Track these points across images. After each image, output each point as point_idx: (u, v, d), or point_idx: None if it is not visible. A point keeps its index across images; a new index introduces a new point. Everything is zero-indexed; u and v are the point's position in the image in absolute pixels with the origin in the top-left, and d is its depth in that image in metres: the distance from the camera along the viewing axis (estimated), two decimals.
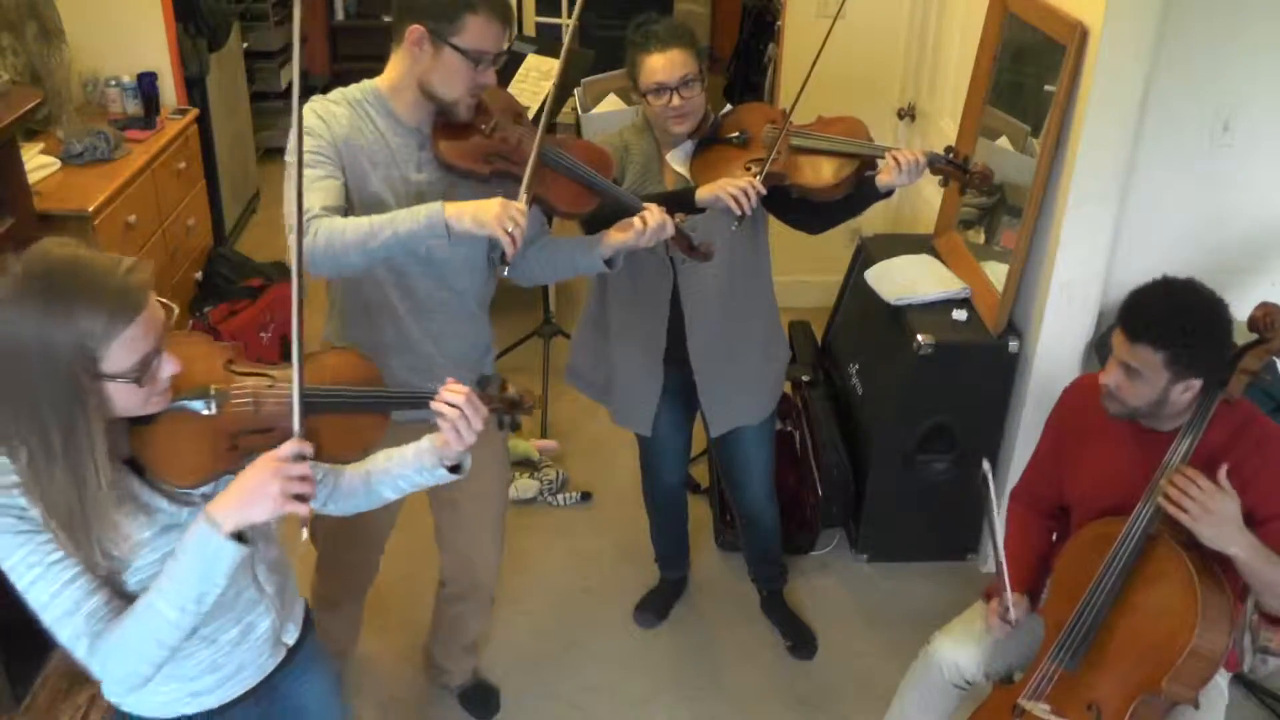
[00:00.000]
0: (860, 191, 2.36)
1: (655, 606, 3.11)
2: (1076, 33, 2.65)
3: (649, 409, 2.67)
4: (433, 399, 1.60)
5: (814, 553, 3.33)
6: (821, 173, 2.35)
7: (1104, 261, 2.85)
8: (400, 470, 1.70)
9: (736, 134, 2.40)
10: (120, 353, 1.36)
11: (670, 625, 3.07)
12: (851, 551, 3.35)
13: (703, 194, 2.27)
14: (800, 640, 3.03)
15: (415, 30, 1.94)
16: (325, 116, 2.00)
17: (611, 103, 4.99)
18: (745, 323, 2.59)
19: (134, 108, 4.00)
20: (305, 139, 1.97)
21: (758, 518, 2.93)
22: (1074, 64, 2.67)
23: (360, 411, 1.60)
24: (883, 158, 2.29)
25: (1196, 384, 1.95)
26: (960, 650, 2.25)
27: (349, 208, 1.98)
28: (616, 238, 2.10)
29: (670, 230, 2.09)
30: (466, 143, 2.04)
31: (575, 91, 4.75)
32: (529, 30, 6.02)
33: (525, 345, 4.14)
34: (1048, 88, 2.89)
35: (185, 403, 1.45)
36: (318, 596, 2.53)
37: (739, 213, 2.22)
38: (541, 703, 2.82)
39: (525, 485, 3.53)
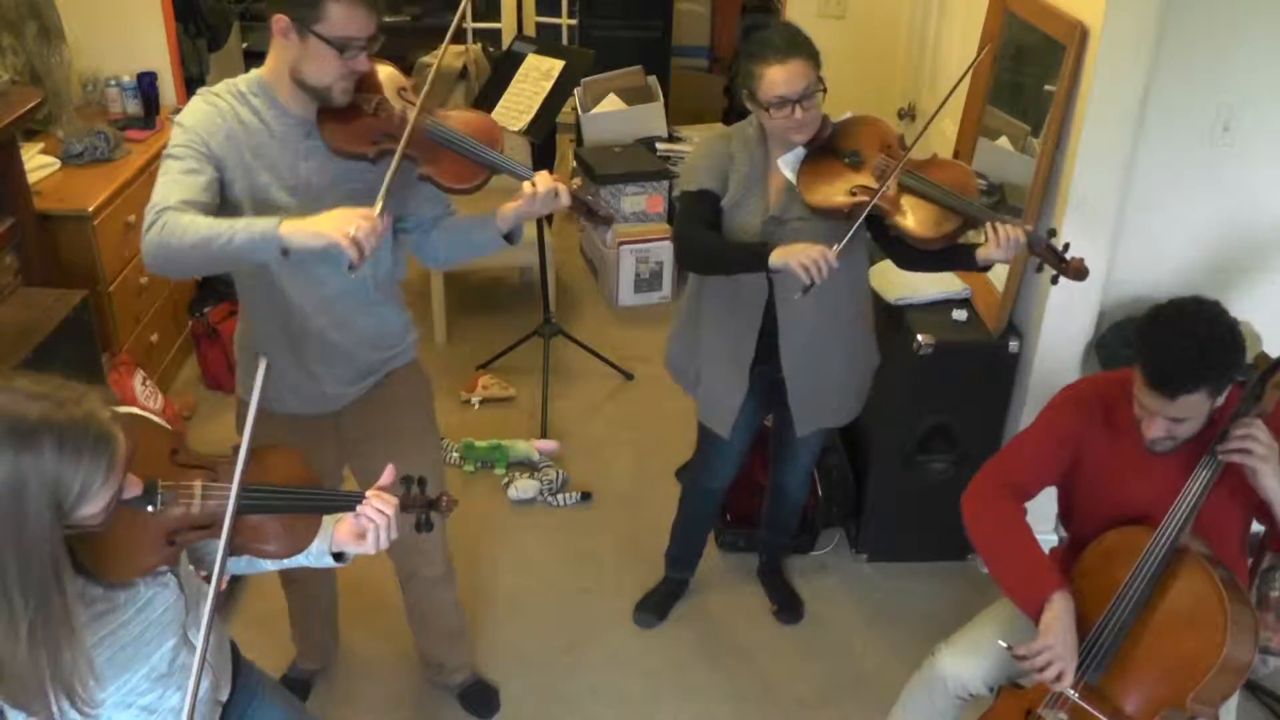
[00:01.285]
0: (956, 251, 2.30)
1: (655, 607, 3.11)
2: (1076, 32, 2.65)
3: (731, 411, 2.63)
4: (360, 503, 1.61)
5: (814, 553, 3.33)
6: (922, 220, 2.27)
7: (1104, 261, 2.85)
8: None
9: (850, 153, 2.34)
10: (93, 504, 1.31)
11: (671, 625, 3.07)
12: (851, 551, 3.35)
13: (775, 259, 2.23)
14: (786, 605, 3.08)
15: (280, 20, 1.92)
16: (204, 110, 1.99)
17: (611, 103, 5.00)
18: (837, 331, 2.56)
19: (134, 108, 4.00)
20: (176, 132, 1.98)
21: (787, 492, 2.97)
22: (1074, 64, 2.67)
23: (297, 513, 1.59)
24: (986, 223, 2.19)
25: (1228, 390, 1.95)
26: (965, 663, 2.21)
27: (217, 203, 1.96)
28: (509, 207, 2.08)
29: (565, 199, 2.04)
30: (351, 125, 2.01)
31: (575, 91, 4.76)
32: (529, 30, 6.02)
33: (525, 345, 4.14)
34: (1048, 88, 2.88)
35: (133, 500, 1.41)
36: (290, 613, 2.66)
37: (807, 282, 2.19)
38: (541, 703, 2.81)
39: (525, 485, 3.53)
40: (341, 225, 1.81)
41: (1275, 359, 2.01)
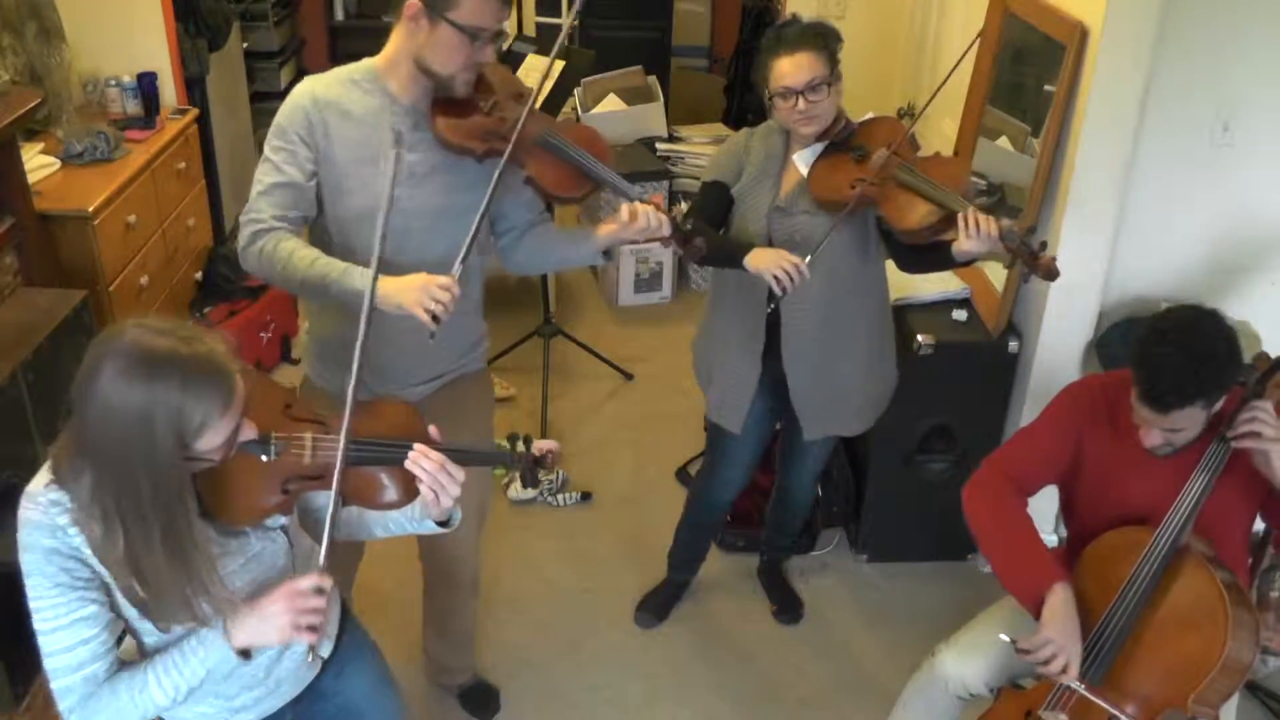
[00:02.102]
0: (938, 248, 2.30)
1: (656, 607, 3.11)
2: (1076, 33, 2.65)
3: (743, 404, 2.62)
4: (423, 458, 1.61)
5: (814, 553, 3.33)
6: (907, 212, 2.28)
7: (1104, 261, 2.85)
8: (390, 520, 1.74)
9: (858, 148, 2.36)
10: (212, 437, 1.42)
11: (671, 626, 3.07)
12: (851, 551, 3.35)
13: (750, 262, 2.28)
14: (786, 606, 3.08)
15: (412, 5, 1.92)
16: (301, 104, 2.00)
17: (611, 103, 5.00)
18: (846, 337, 2.54)
19: (134, 108, 4.00)
20: (273, 129, 2.01)
21: (793, 493, 2.97)
22: (1074, 64, 2.67)
23: (403, 465, 1.61)
24: (959, 214, 2.19)
25: (1224, 397, 1.95)
26: (966, 664, 2.21)
27: (313, 213, 2.02)
28: (606, 229, 2.09)
29: (666, 229, 2.04)
30: (465, 121, 2.02)
31: (575, 91, 4.76)
32: (529, 30, 6.02)
33: (525, 345, 4.14)
34: (1048, 88, 2.88)
35: (250, 445, 1.50)
36: None
37: (779, 292, 2.24)
38: (542, 703, 2.82)
39: (526, 486, 3.52)
40: (421, 299, 1.84)
41: (1275, 359, 2.01)
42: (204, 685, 1.52)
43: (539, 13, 6.14)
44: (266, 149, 2.01)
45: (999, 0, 3.09)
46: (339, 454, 1.53)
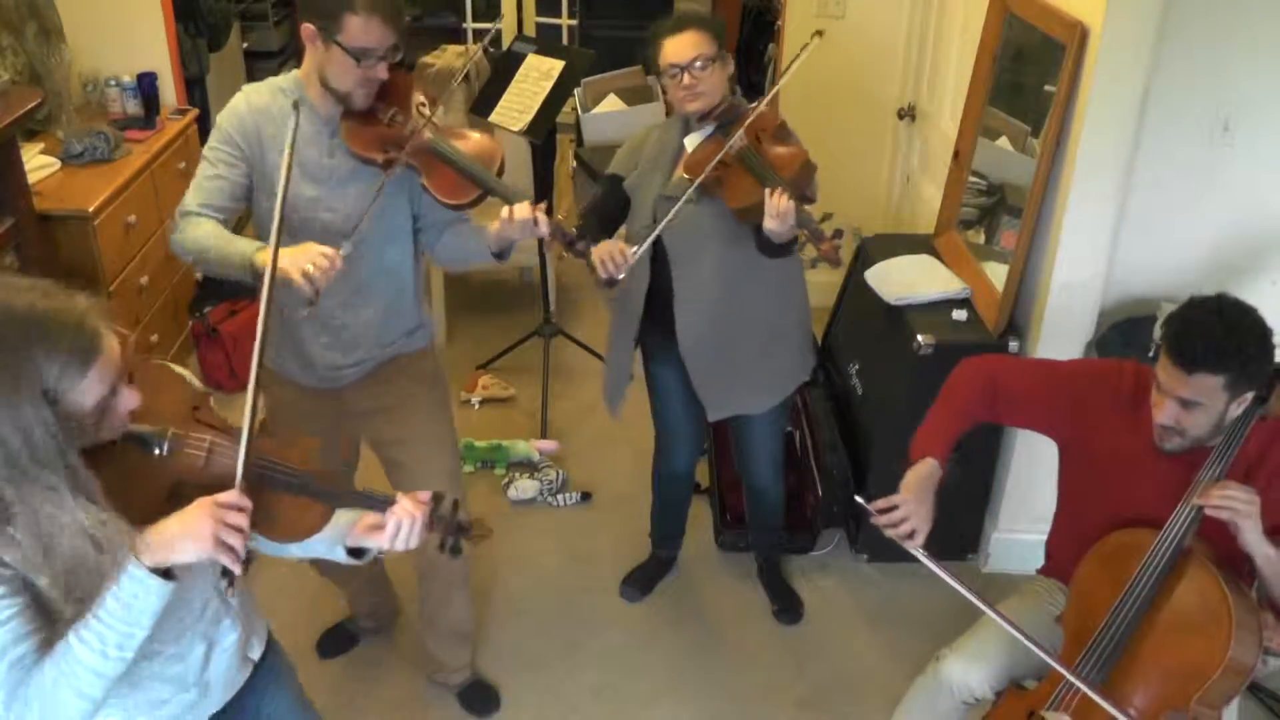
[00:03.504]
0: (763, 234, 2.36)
1: (641, 581, 3.17)
2: (1076, 33, 2.65)
3: (619, 390, 2.82)
4: (389, 506, 1.59)
5: (814, 553, 3.33)
6: (738, 192, 2.37)
7: (1104, 261, 2.85)
8: None
9: (732, 131, 2.42)
10: (78, 396, 1.36)
11: (671, 625, 3.07)
12: (851, 551, 3.35)
13: (592, 253, 2.39)
14: (786, 606, 3.11)
15: (307, 28, 2.10)
16: (239, 109, 2.19)
17: (611, 103, 5.00)
18: (742, 321, 2.62)
19: (134, 108, 4.00)
20: (213, 131, 2.20)
21: (762, 491, 3.01)
22: (1074, 64, 2.67)
23: (310, 498, 1.56)
24: (766, 191, 2.26)
25: (1249, 396, 1.93)
26: (971, 669, 2.21)
27: (241, 205, 2.20)
28: (493, 227, 2.20)
29: (544, 228, 2.14)
30: (366, 131, 2.17)
31: (575, 91, 4.76)
32: (529, 30, 6.02)
33: (525, 345, 4.14)
34: (1048, 88, 2.88)
35: (140, 434, 1.44)
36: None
37: (604, 276, 2.37)
38: (541, 703, 2.81)
39: (525, 485, 3.53)
40: (298, 261, 1.95)
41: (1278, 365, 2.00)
42: (134, 634, 1.37)
43: (539, 13, 6.14)
44: (205, 149, 2.20)
45: (999, 0, 3.09)
46: (239, 462, 1.45)
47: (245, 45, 5.37)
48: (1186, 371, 1.89)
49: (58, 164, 3.55)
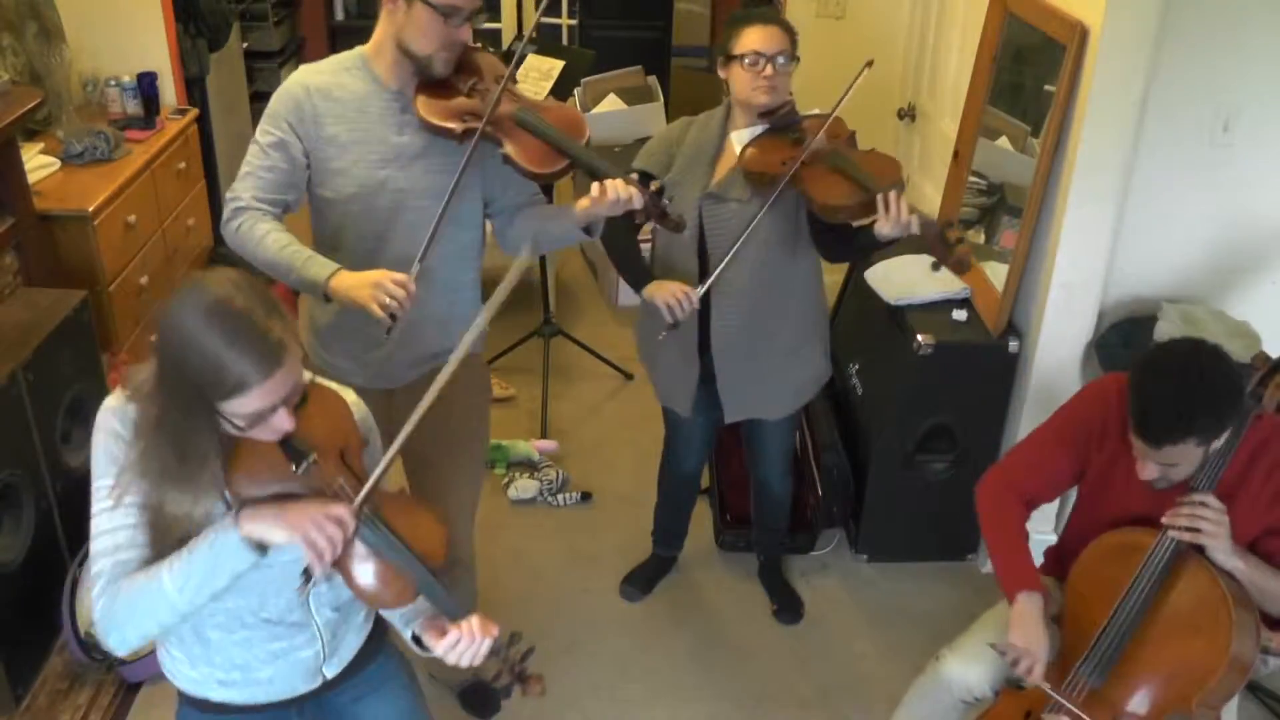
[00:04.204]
0: (861, 232, 2.36)
1: (641, 581, 3.16)
2: (1076, 33, 2.65)
3: (689, 388, 2.71)
4: (460, 617, 1.67)
5: (814, 553, 3.33)
6: (828, 190, 2.34)
7: (1104, 261, 2.85)
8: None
9: (797, 131, 2.44)
10: (243, 403, 1.47)
11: (671, 626, 3.07)
12: (851, 551, 3.35)
13: (646, 292, 2.44)
14: (786, 606, 3.10)
15: None
16: (294, 90, 2.09)
17: (611, 103, 5.00)
18: (772, 330, 2.61)
19: (134, 108, 4.00)
20: (265, 114, 2.10)
21: (768, 488, 3.00)
22: (1074, 64, 2.67)
23: (400, 573, 1.62)
24: (879, 196, 2.25)
25: (1226, 434, 1.93)
26: (970, 668, 2.21)
27: (298, 195, 2.11)
28: (582, 204, 2.12)
29: (638, 200, 2.08)
30: (444, 101, 2.10)
31: (575, 91, 4.75)
32: (529, 30, 6.02)
33: (525, 345, 4.14)
34: (1048, 88, 2.88)
35: (291, 444, 1.55)
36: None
37: (669, 320, 2.40)
38: (541, 703, 2.81)
39: (525, 485, 3.53)
40: (376, 295, 1.91)
41: (1275, 360, 2.00)
42: (214, 585, 1.52)
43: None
44: (258, 132, 2.11)
45: (999, 0, 3.09)
46: (359, 499, 1.57)
47: (245, 45, 5.36)
48: (1155, 448, 1.89)
49: (58, 164, 3.54)
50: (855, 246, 2.46)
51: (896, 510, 3.24)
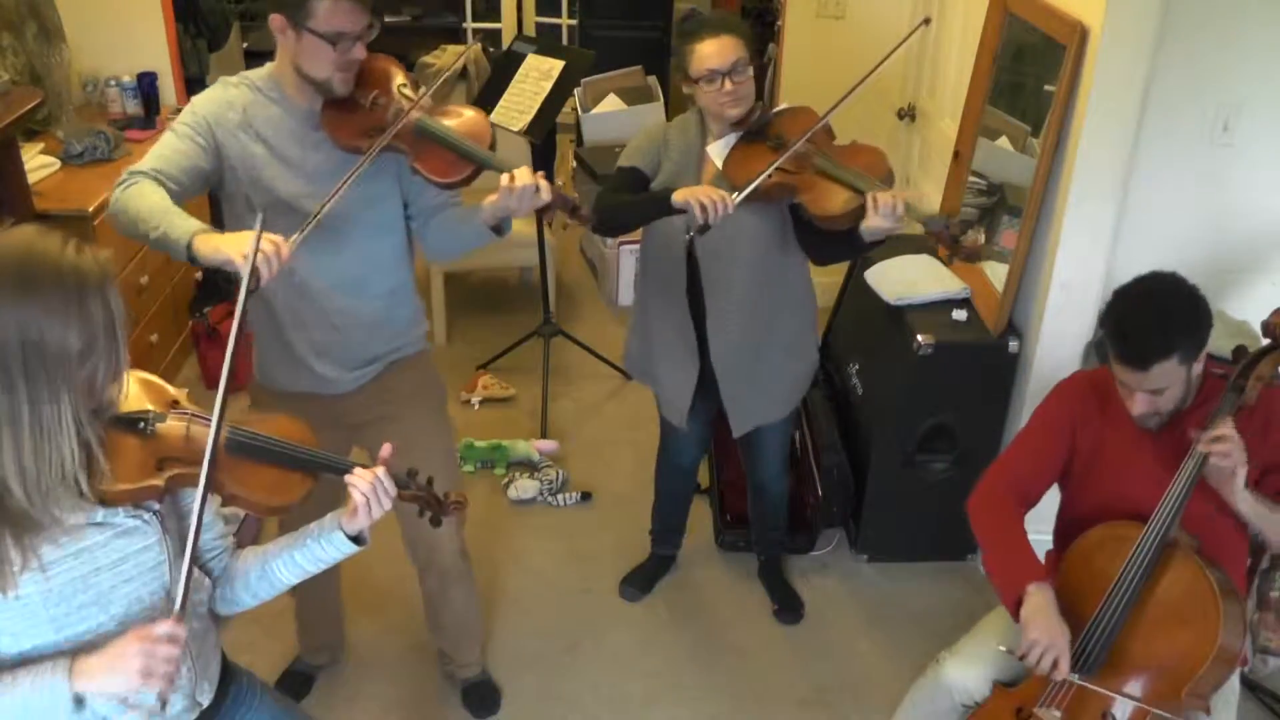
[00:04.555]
0: (848, 236, 2.35)
1: (641, 581, 3.17)
2: (1076, 33, 2.65)
3: (684, 400, 2.72)
4: (350, 471, 1.63)
5: (814, 553, 3.33)
6: (828, 200, 2.33)
7: (1104, 261, 2.85)
8: (298, 545, 1.69)
9: (775, 137, 2.41)
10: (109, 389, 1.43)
11: (671, 625, 3.07)
12: (851, 551, 3.35)
13: (678, 196, 2.31)
14: (786, 605, 3.11)
15: (276, 19, 2.03)
16: (217, 97, 2.12)
17: (611, 103, 5.00)
18: (768, 330, 2.61)
19: (134, 108, 4.00)
20: (185, 110, 2.12)
21: (765, 488, 3.01)
22: (1074, 64, 2.67)
23: (285, 466, 1.62)
24: (867, 195, 2.25)
25: (1203, 358, 1.97)
26: (970, 671, 2.20)
27: (196, 186, 2.09)
28: (489, 200, 2.11)
29: (546, 194, 2.05)
30: (349, 119, 2.11)
31: (575, 91, 4.75)
32: (529, 30, 6.02)
33: (525, 345, 4.14)
34: (1048, 88, 2.88)
35: (127, 416, 1.51)
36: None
37: (701, 220, 2.26)
38: (541, 703, 2.81)
39: (525, 485, 3.53)
40: (241, 246, 1.84)
41: (1256, 351, 2.01)
42: None
43: (539, 13, 6.14)
44: (174, 124, 2.11)
45: (999, 0, 3.09)
46: (213, 425, 1.53)
47: (245, 45, 5.37)
48: (1143, 369, 1.92)
49: (58, 164, 3.55)
50: (850, 248, 2.44)
51: (896, 510, 3.24)
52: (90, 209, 3.31)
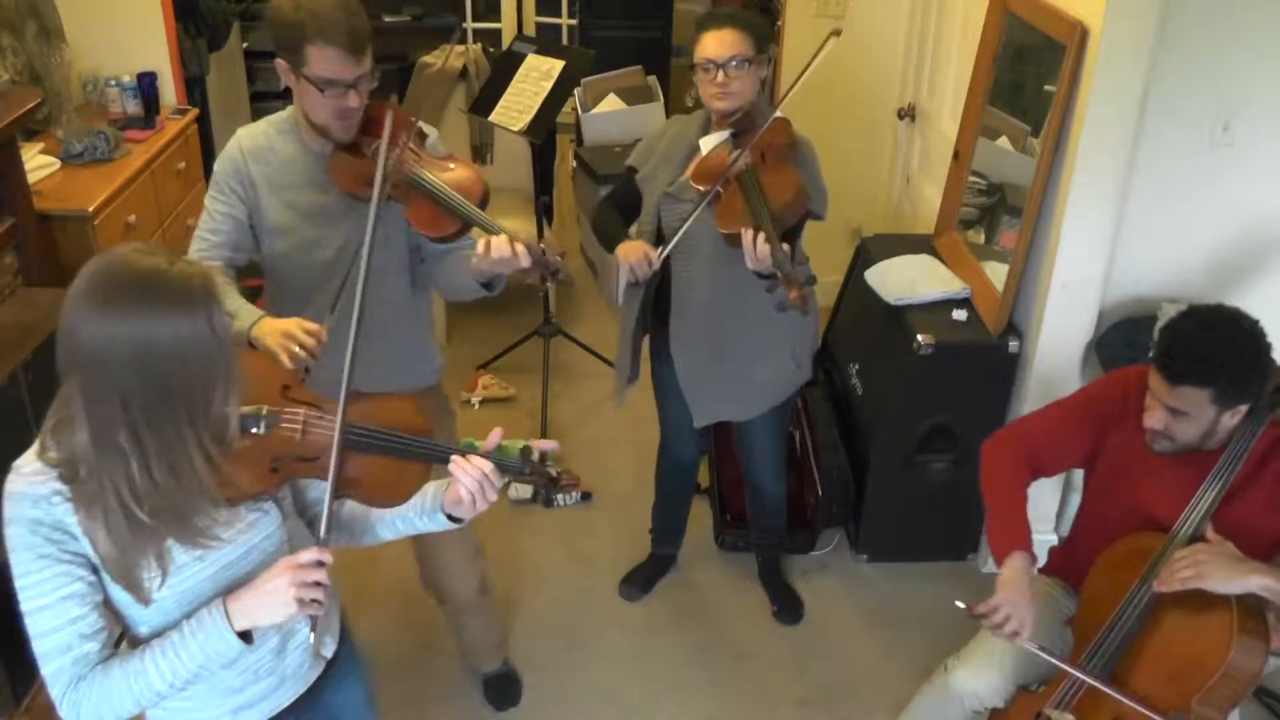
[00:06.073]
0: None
1: (641, 581, 3.18)
2: (1076, 33, 2.65)
3: (625, 365, 2.83)
4: (457, 458, 1.62)
5: (814, 553, 3.33)
6: (729, 212, 2.32)
7: (1104, 261, 2.85)
8: (401, 511, 1.70)
9: (740, 144, 2.41)
10: (219, 392, 1.39)
11: (671, 626, 3.07)
12: (851, 551, 3.35)
13: (617, 251, 2.46)
14: (786, 606, 3.11)
15: (280, 64, 2.05)
16: (231, 154, 2.16)
17: (611, 102, 4.99)
18: (733, 330, 2.62)
19: (134, 108, 4.00)
20: (211, 187, 2.17)
21: (762, 489, 3.02)
22: (1074, 64, 2.67)
23: (403, 458, 1.61)
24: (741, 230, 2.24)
25: (1244, 408, 1.92)
26: (980, 678, 2.20)
27: (244, 251, 2.16)
28: (474, 258, 2.12)
29: (524, 260, 2.04)
30: (351, 164, 2.12)
31: (575, 92, 4.75)
32: (529, 30, 6.02)
33: (525, 345, 4.14)
34: (1048, 88, 2.88)
35: (242, 421, 1.49)
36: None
37: (629, 280, 2.43)
38: (541, 703, 2.81)
39: (525, 485, 3.53)
40: (283, 343, 1.90)
41: None
42: (205, 674, 1.47)
43: (539, 13, 6.14)
44: (206, 198, 2.16)
45: (999, 0, 3.09)
46: (336, 432, 1.52)
47: (245, 45, 5.35)
48: (1171, 384, 1.89)
49: (58, 164, 3.54)
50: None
51: (896, 510, 3.24)
52: (90, 209, 3.31)
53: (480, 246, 2.06)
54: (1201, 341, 1.88)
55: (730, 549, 3.32)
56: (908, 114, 4.15)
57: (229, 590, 1.49)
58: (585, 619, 3.08)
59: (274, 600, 1.45)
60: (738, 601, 3.16)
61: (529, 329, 4.13)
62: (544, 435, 3.79)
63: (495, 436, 1.68)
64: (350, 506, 1.73)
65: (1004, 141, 3.21)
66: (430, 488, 1.67)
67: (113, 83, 3.99)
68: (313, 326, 1.93)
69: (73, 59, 3.84)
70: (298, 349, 1.90)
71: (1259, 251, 2.94)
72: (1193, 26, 2.65)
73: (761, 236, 2.20)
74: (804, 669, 2.94)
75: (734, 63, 2.38)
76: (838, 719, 2.81)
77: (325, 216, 2.15)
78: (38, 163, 3.46)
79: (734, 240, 2.27)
